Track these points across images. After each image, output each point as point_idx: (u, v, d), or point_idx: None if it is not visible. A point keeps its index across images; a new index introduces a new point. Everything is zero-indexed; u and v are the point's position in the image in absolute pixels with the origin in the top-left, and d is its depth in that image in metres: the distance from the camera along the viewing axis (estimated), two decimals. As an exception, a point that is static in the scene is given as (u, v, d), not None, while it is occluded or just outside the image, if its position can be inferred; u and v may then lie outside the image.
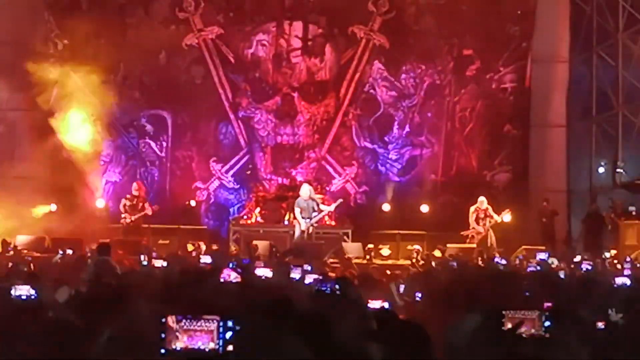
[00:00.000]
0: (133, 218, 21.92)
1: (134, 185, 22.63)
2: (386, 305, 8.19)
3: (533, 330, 5.73)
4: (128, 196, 22.20)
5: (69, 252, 17.95)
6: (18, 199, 22.52)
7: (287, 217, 22.98)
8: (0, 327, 6.09)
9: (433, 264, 19.12)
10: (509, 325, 5.76)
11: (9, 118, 24.47)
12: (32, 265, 14.82)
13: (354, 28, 25.21)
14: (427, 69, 25.40)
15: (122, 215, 21.99)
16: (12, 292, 7.69)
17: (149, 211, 21.97)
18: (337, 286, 8.01)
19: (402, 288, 12.53)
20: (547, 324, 5.73)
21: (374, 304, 7.84)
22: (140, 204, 22.03)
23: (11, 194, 22.37)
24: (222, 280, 8.99)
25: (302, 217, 21.39)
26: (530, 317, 5.78)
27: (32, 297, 7.65)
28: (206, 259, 14.51)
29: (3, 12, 24.14)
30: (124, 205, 22.05)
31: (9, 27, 24.30)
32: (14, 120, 24.43)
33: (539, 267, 15.03)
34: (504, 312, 5.76)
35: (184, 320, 5.22)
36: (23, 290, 7.68)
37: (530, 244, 21.79)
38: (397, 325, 5.68)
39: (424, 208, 24.15)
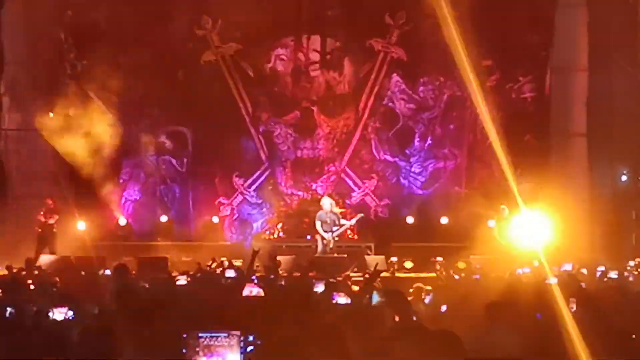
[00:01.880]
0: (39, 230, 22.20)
1: (48, 201, 22.60)
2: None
3: None
4: (42, 211, 22.28)
5: (107, 272, 17.96)
6: (36, 219, 22.61)
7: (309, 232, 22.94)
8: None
9: (457, 276, 19.03)
10: None
11: (28, 138, 24.52)
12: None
13: (371, 41, 25.21)
14: (446, 80, 25.34)
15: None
16: (50, 315, 7.65)
17: (51, 220, 22.13)
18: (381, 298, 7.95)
19: (427, 299, 12.51)
20: None
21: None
22: (49, 215, 22.21)
23: (36, 213, 22.45)
24: (244, 295, 8.97)
25: (324, 231, 21.33)
26: None
27: (70, 318, 7.62)
28: (230, 273, 14.47)
29: (24, 32, 24.24)
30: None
31: (30, 47, 24.41)
32: (33, 140, 24.48)
33: (555, 280, 14.80)
34: None
35: (204, 336, 5.19)
36: (61, 313, 7.62)
37: (553, 253, 21.62)
38: (433, 333, 5.67)
39: (444, 220, 24.05)
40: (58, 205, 22.50)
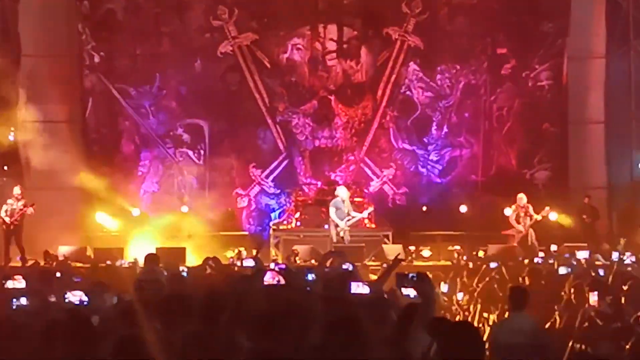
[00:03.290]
0: (12, 220, 21.42)
1: (17, 189, 21.88)
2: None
3: None
4: (9, 201, 21.63)
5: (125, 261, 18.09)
6: (59, 210, 22.73)
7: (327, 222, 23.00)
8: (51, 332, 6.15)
9: (473, 263, 19.07)
10: None
11: (45, 130, 24.60)
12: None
13: (388, 30, 25.16)
14: (462, 69, 25.33)
15: (5, 219, 21.41)
16: (66, 297, 7.72)
17: (29, 211, 21.48)
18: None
19: (445, 288, 12.57)
20: None
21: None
22: (21, 206, 21.54)
23: (52, 204, 22.57)
24: (265, 283, 8.99)
25: (339, 218, 21.29)
26: None
27: (85, 303, 7.67)
28: (249, 262, 14.52)
29: (41, 24, 24.34)
30: (6, 211, 21.51)
31: (47, 39, 24.50)
32: (55, 131, 24.58)
33: (570, 269, 14.78)
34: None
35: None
36: (75, 297, 7.69)
37: (572, 242, 21.66)
38: (452, 325, 5.70)
39: (463, 208, 24.02)
40: (24, 195, 22.01)
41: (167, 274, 12.42)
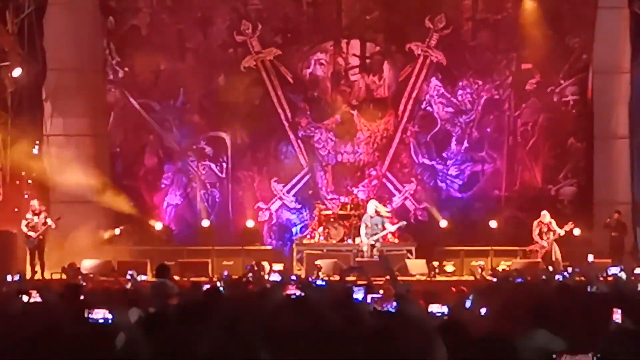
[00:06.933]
0: (38, 235, 21.42)
1: (35, 203, 21.84)
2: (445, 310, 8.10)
3: None
4: (28, 217, 21.54)
5: (143, 277, 18.04)
6: (84, 224, 22.80)
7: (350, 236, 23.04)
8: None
9: (497, 279, 18.96)
10: None
11: (75, 143, 24.76)
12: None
13: (411, 45, 25.11)
14: (484, 84, 25.23)
15: (29, 234, 21.40)
16: (89, 315, 7.67)
17: (52, 225, 21.52)
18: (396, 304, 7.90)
19: (468, 303, 12.45)
20: None
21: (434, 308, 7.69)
22: (43, 220, 21.50)
23: (77, 218, 22.65)
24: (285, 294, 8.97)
25: (365, 234, 21.43)
26: None
27: (109, 320, 7.63)
28: (275, 277, 14.52)
29: (66, 39, 24.48)
30: (27, 225, 21.44)
31: (72, 54, 24.64)
32: (78, 145, 24.71)
33: (595, 286, 14.60)
34: (554, 356, 5.53)
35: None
36: (99, 314, 7.66)
37: (597, 257, 21.53)
38: (480, 339, 5.63)
39: (493, 224, 23.90)
40: (47, 209, 22.17)
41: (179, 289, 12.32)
